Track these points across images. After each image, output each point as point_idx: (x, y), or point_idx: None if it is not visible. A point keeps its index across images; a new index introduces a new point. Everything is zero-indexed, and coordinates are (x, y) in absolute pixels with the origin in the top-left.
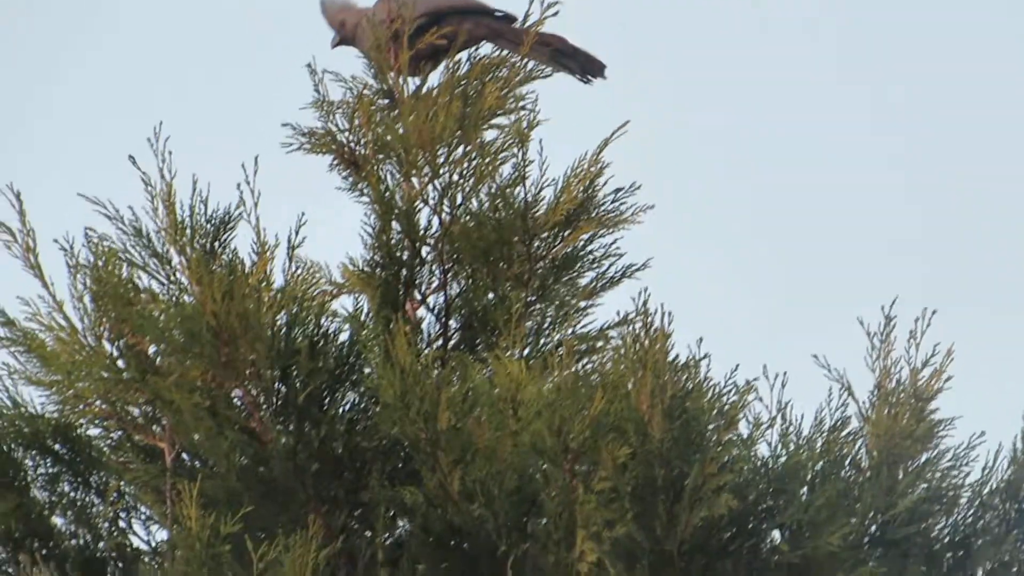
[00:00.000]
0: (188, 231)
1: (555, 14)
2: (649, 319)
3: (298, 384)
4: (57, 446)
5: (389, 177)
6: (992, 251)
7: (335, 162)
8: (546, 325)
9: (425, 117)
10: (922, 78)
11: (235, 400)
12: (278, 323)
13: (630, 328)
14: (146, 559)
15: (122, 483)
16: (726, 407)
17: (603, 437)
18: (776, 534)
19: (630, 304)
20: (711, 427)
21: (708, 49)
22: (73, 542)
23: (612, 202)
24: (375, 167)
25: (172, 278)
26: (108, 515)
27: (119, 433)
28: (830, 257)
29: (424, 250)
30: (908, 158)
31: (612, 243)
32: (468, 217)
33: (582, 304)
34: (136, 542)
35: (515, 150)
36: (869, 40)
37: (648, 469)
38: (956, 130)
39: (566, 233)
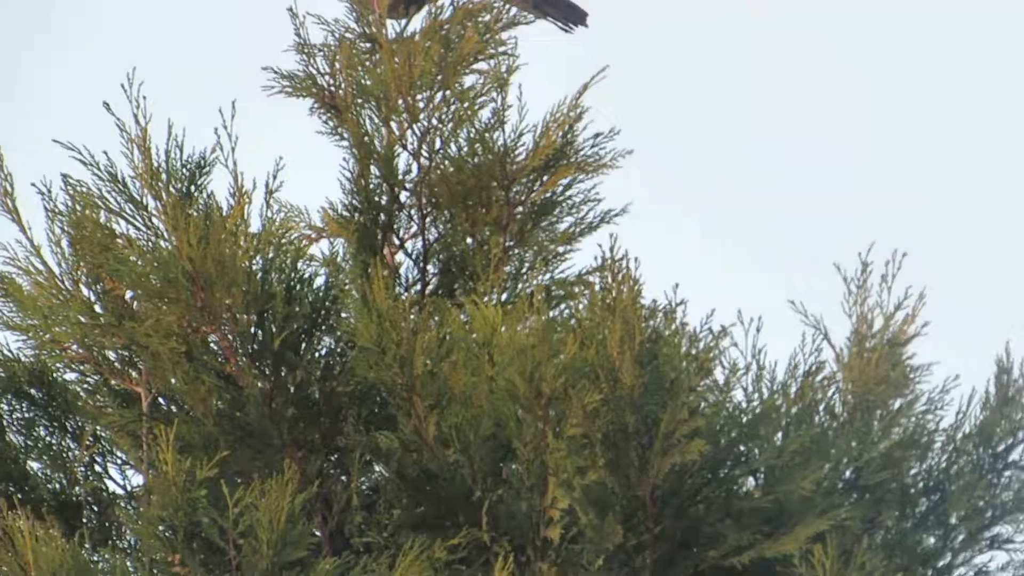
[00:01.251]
0: (164, 176)
1: None
2: (618, 265)
3: (274, 329)
4: (33, 390)
5: (368, 121)
6: (968, 195)
7: (315, 106)
8: (524, 270)
9: (405, 61)
10: None
11: (211, 345)
12: (254, 268)
13: (600, 275)
14: (122, 503)
15: (98, 427)
16: (699, 353)
17: (576, 383)
18: (750, 480)
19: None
20: (684, 373)
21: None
22: (49, 486)
23: (591, 147)
24: (355, 111)
25: (148, 223)
26: (84, 459)
27: (96, 377)
28: (809, 202)
29: (403, 195)
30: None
31: (591, 188)
32: (447, 162)
33: (560, 249)
34: (112, 486)
35: (495, 95)
36: None
37: (619, 415)
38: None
39: (545, 178)
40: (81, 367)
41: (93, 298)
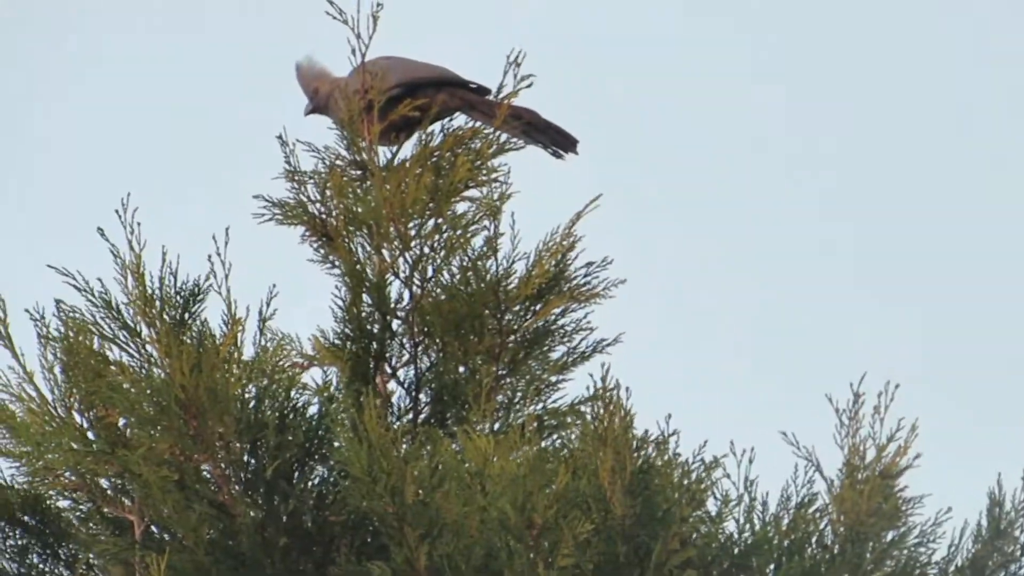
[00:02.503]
0: (158, 303)
1: (529, 86)
2: (610, 395)
3: (267, 458)
4: (26, 517)
5: (360, 249)
6: (960, 327)
7: (306, 233)
8: (516, 399)
9: (397, 189)
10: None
11: (204, 473)
12: (247, 396)
13: (592, 405)
14: None
15: (91, 555)
16: (692, 483)
17: (567, 513)
18: None
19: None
20: (676, 503)
21: (683, 125)
22: None
23: (584, 276)
24: (346, 239)
25: (142, 350)
26: None
27: (88, 505)
28: (801, 332)
29: (395, 323)
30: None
31: (583, 317)
32: (439, 290)
33: (553, 379)
34: None
35: (487, 223)
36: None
37: (611, 545)
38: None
39: (537, 307)
40: (74, 494)
41: (86, 425)
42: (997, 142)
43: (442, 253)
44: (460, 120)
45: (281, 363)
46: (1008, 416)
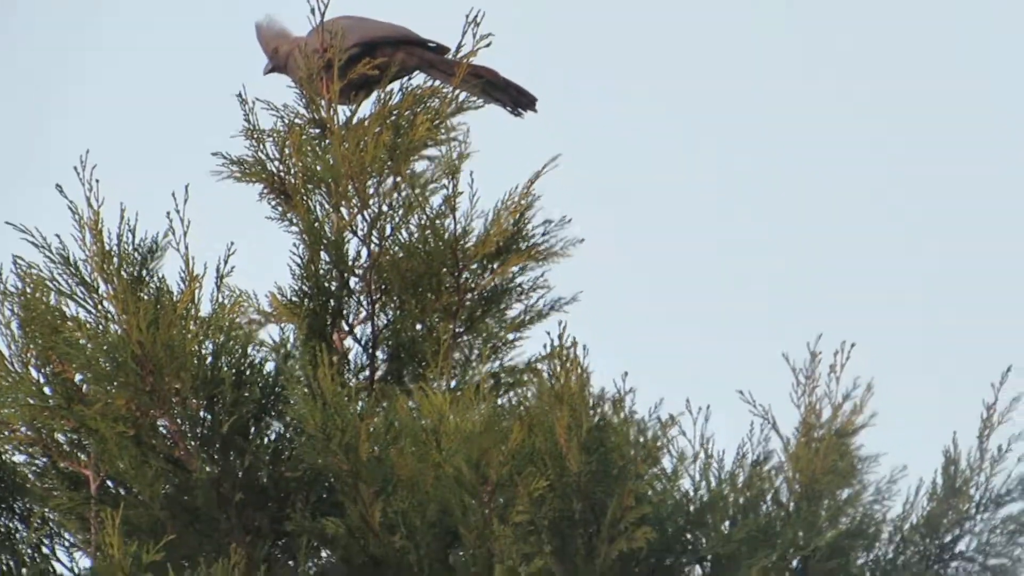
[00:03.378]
0: (115, 259)
1: (488, 45)
2: (566, 353)
3: (223, 414)
4: None
5: (318, 207)
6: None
7: (265, 191)
8: (473, 357)
9: (355, 147)
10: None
11: (160, 429)
12: (204, 352)
13: (549, 362)
14: None
15: (46, 510)
16: (647, 441)
17: (522, 470)
18: (697, 568)
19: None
20: (632, 460)
21: (641, 79)
22: None
23: (542, 235)
24: (304, 197)
25: (99, 306)
26: (32, 541)
27: (44, 460)
28: (759, 290)
29: (352, 280)
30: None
31: (541, 275)
32: (397, 248)
33: (510, 336)
34: (60, 569)
35: (445, 181)
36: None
37: (566, 502)
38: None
39: (495, 265)
40: (30, 449)
41: (43, 380)
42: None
43: (400, 211)
44: (419, 79)
45: (238, 320)
46: (963, 375)
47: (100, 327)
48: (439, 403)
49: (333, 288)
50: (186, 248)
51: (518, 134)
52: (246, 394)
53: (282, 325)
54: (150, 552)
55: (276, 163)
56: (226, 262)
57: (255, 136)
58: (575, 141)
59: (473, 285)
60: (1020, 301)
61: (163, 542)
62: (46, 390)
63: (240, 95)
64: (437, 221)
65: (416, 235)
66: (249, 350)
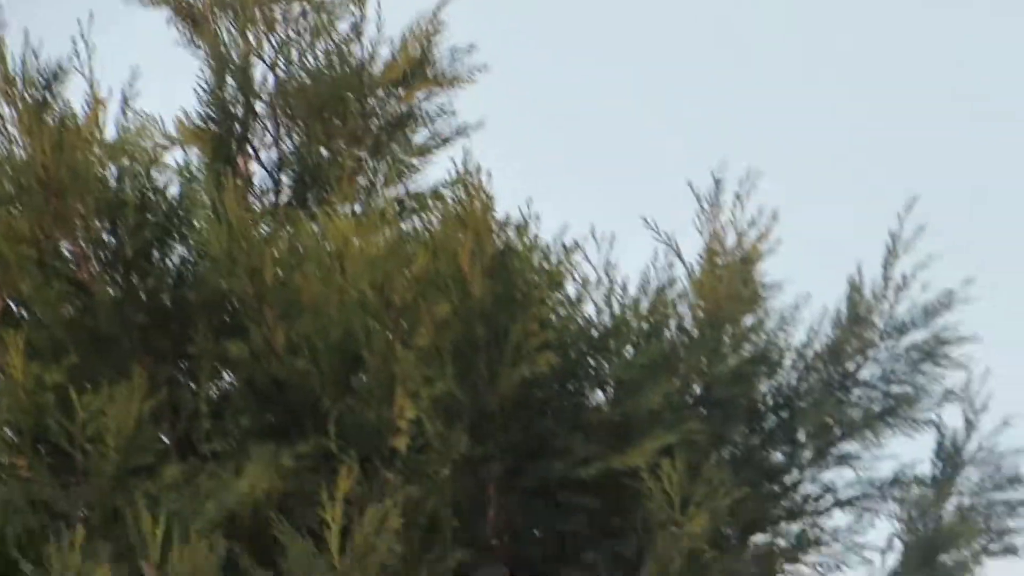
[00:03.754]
0: (19, 83)
1: None
2: (471, 178)
3: (127, 236)
4: None
5: (226, 32)
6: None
7: (173, 16)
8: (378, 182)
9: None
10: None
11: (64, 252)
12: (108, 176)
13: (453, 188)
14: None
15: None
16: (551, 266)
17: (426, 294)
18: (599, 393)
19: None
20: (535, 286)
21: None
22: None
23: (449, 62)
24: (212, 22)
25: (3, 130)
26: None
27: None
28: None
29: (259, 106)
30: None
31: (447, 101)
32: (304, 74)
33: (415, 162)
34: None
35: (352, 7)
36: None
37: (469, 327)
38: None
39: (401, 91)
40: None
41: None
42: None
43: (307, 37)
44: None
45: (143, 144)
46: (870, 204)
47: (4, 151)
48: (344, 227)
49: (239, 113)
50: (90, 72)
51: None
52: (150, 217)
53: (187, 150)
54: (52, 373)
55: None
56: (132, 86)
57: None
58: None
59: (379, 111)
60: (927, 133)
61: (65, 364)
62: None
63: None
64: (344, 47)
65: (323, 61)
66: (153, 173)
